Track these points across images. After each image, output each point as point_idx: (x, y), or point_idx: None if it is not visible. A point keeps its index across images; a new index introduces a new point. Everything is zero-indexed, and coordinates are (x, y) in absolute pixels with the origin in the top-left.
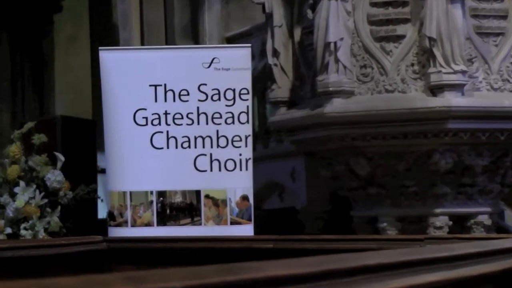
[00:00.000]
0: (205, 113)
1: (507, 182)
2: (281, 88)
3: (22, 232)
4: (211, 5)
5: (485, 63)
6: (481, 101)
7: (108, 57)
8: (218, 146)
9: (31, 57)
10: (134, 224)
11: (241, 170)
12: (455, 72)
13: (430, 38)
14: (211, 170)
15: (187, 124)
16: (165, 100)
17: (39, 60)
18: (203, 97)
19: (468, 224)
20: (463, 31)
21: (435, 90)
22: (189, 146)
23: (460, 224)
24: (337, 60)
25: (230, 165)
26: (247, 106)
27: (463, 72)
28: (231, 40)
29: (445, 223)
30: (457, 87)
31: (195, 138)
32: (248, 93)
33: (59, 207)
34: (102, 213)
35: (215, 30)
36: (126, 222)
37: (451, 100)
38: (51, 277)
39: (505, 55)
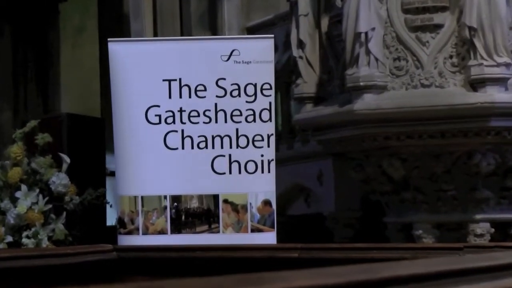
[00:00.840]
0: (223, 110)
1: None
2: (307, 82)
3: (24, 240)
4: None
5: None
6: None
7: (118, 49)
8: (237, 146)
9: (35, 49)
10: (146, 232)
11: (263, 172)
12: (498, 65)
13: (471, 28)
14: (230, 172)
15: (204, 123)
16: (180, 96)
17: (43, 53)
18: (221, 92)
19: (511, 232)
20: (506, 19)
21: (476, 84)
22: (206, 147)
23: (503, 232)
24: (368, 52)
25: (251, 167)
26: (270, 103)
27: (507, 65)
28: (252, 30)
29: (487, 230)
30: (500, 81)
31: (213, 138)
32: (270, 88)
33: (64, 213)
34: (111, 220)
35: (235, 19)
36: (138, 229)
37: (494, 95)
38: None
39: None
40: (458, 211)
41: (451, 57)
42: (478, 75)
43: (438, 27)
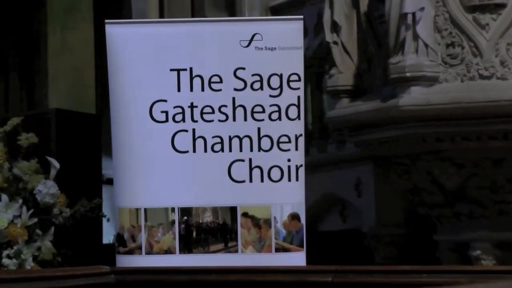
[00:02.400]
0: (243, 106)
1: None
2: (343, 73)
3: (5, 261)
4: None
5: None
6: None
7: (117, 33)
8: (259, 149)
9: (18, 34)
10: (150, 251)
11: (289, 180)
12: None
13: None
14: (251, 180)
15: (220, 121)
16: (191, 89)
17: (28, 38)
18: (240, 85)
19: None
20: None
21: None
22: (222, 149)
23: None
24: (416, 37)
25: (275, 174)
26: (298, 97)
27: None
28: (277, 11)
29: None
30: None
31: (230, 139)
32: (299, 79)
33: (52, 229)
34: (108, 237)
35: None
36: (140, 248)
37: None
38: None
39: None
40: None
41: None
42: None
43: (500, 6)
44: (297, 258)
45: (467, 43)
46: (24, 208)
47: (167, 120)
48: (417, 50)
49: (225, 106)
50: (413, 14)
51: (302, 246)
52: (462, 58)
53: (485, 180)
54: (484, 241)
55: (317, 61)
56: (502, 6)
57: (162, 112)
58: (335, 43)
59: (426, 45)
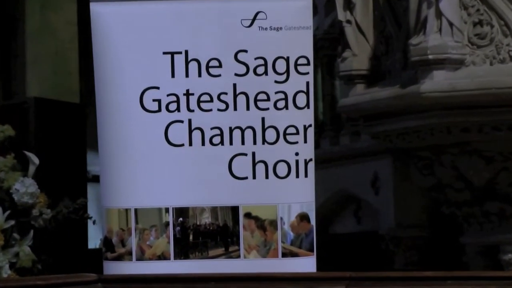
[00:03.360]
0: (245, 94)
1: None
2: (357, 56)
3: None
4: None
5: None
6: None
7: (103, 12)
8: (264, 141)
9: None
10: (141, 257)
11: (298, 177)
12: None
13: None
14: (254, 177)
15: (219, 110)
16: (187, 75)
17: (2, 19)
18: (242, 69)
19: None
20: None
21: None
22: (221, 142)
23: None
24: (439, 15)
25: (281, 169)
26: (307, 83)
27: None
28: None
29: None
30: None
31: (231, 130)
32: (308, 63)
33: (31, 232)
34: (94, 241)
35: None
36: (130, 253)
37: None
38: None
39: None
40: None
41: None
42: None
43: None
44: (306, 264)
45: (497, 21)
46: (0, 209)
47: (159, 110)
48: (441, 29)
49: (225, 93)
50: None
51: (312, 251)
52: (492, 38)
53: None
54: None
55: (329, 43)
56: None
57: (154, 100)
58: (348, 22)
59: (451, 24)
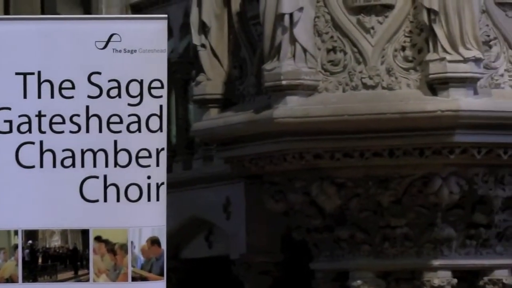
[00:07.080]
0: (97, 116)
1: None
2: (212, 80)
3: None
4: None
5: (510, 47)
6: (503, 104)
7: None
8: (116, 164)
9: None
10: None
11: (149, 200)
12: (465, 60)
13: (430, 11)
14: (106, 200)
15: (71, 132)
16: (39, 96)
17: None
18: (95, 92)
19: (480, 283)
20: (478, 1)
21: (436, 86)
22: (73, 165)
23: (469, 283)
24: (293, 41)
25: (133, 193)
26: (160, 106)
27: (477, 61)
28: (139, 8)
29: (447, 281)
30: (468, 82)
31: (83, 153)
32: (162, 86)
33: None
34: None
35: None
36: None
37: (460, 101)
38: None
39: None
40: (410, 255)
41: (403, 49)
42: (439, 73)
43: (387, 8)
44: None
45: (350, 49)
46: None
47: (11, 131)
48: (295, 55)
49: (78, 115)
50: (291, 15)
51: (163, 275)
52: (345, 65)
53: (368, 202)
54: (366, 270)
55: (183, 66)
56: (390, 7)
57: (5, 121)
58: (203, 46)
59: (305, 50)
